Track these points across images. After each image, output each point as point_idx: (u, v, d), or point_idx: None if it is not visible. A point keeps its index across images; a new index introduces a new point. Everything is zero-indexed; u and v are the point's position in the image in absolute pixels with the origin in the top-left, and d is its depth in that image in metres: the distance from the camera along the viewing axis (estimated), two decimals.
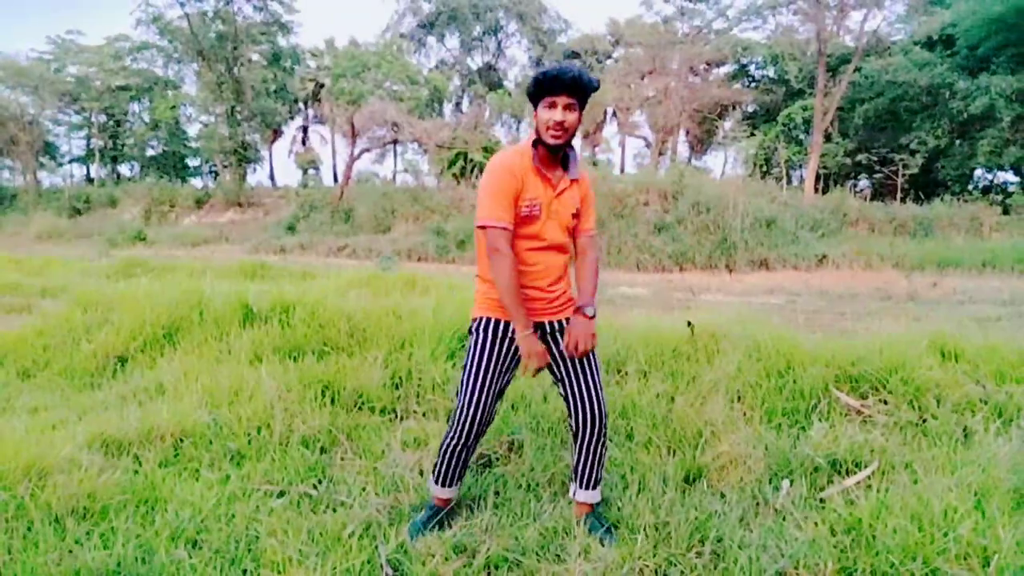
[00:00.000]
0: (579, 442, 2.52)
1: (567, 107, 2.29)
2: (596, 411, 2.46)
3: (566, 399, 2.50)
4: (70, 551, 2.25)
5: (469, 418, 2.42)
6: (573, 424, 2.51)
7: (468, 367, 2.43)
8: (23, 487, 2.54)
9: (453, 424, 2.46)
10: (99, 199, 33.99)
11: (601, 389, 2.48)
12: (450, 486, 2.59)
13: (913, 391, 3.54)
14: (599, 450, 2.53)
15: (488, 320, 2.44)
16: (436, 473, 2.59)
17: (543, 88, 2.29)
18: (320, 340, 4.44)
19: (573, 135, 2.37)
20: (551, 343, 2.48)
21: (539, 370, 2.35)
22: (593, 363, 2.47)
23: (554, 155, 2.40)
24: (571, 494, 2.65)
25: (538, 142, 2.37)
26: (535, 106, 2.34)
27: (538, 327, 2.43)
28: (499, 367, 2.43)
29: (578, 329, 2.36)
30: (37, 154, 37.29)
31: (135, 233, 27.11)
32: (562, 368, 2.47)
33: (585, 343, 2.35)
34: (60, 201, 34.13)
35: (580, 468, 2.56)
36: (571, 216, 2.46)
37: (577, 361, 2.44)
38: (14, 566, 2.15)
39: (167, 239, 26.44)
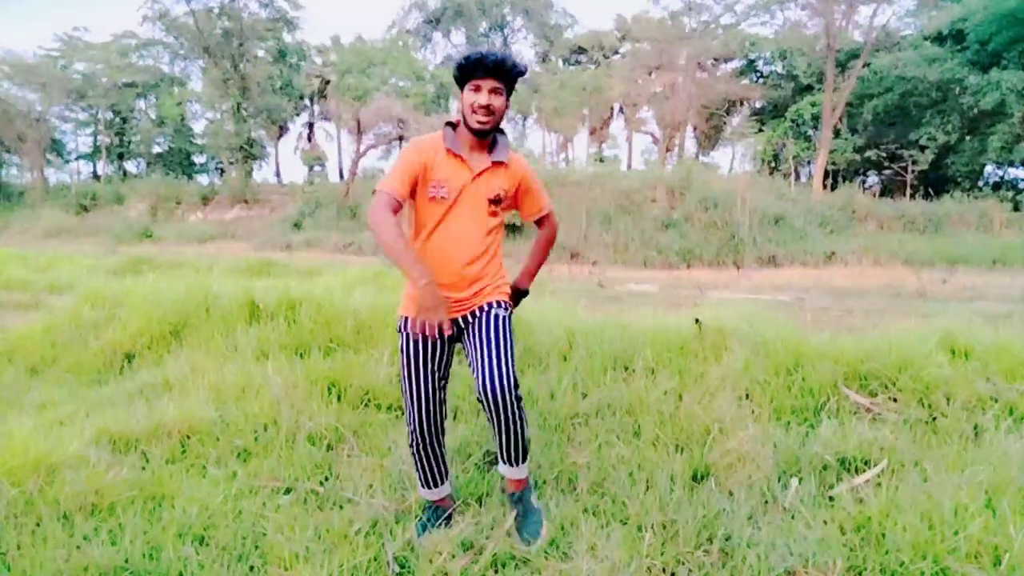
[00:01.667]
0: (489, 420, 2.37)
1: (492, 91, 2.28)
2: (492, 385, 2.25)
3: (474, 377, 2.36)
4: (78, 547, 2.26)
5: (416, 418, 2.41)
6: (479, 400, 2.35)
7: (402, 368, 2.41)
8: (32, 483, 2.55)
9: (407, 425, 2.47)
10: (106, 196, 34.10)
11: (504, 362, 2.28)
12: (435, 487, 2.55)
13: (923, 389, 3.51)
14: (511, 427, 2.35)
15: (410, 320, 2.34)
16: (418, 477, 2.56)
17: (466, 71, 2.28)
18: (326, 337, 4.45)
19: (499, 120, 2.35)
20: (465, 333, 2.44)
21: (430, 328, 2.14)
22: (498, 334, 2.33)
23: (480, 139, 2.36)
24: (498, 467, 2.63)
25: (455, 125, 2.40)
26: (461, 89, 2.32)
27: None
28: (430, 362, 2.38)
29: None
30: (44, 151, 37.44)
31: (142, 230, 27.25)
32: (470, 347, 2.39)
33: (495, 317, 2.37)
34: (67, 198, 34.27)
35: (497, 442, 2.45)
36: (489, 201, 2.38)
37: (482, 332, 2.34)
38: (23, 562, 2.16)
39: (173, 236, 26.56)
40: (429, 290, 2.13)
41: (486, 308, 2.40)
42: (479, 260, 2.40)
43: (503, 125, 2.46)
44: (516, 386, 2.30)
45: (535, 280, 2.73)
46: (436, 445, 2.48)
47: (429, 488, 2.55)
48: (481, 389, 2.27)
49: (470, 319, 2.42)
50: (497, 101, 2.29)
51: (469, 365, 2.42)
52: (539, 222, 2.65)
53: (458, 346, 2.53)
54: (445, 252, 2.36)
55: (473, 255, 2.38)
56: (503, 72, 2.26)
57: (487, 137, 2.37)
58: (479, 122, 2.29)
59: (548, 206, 2.60)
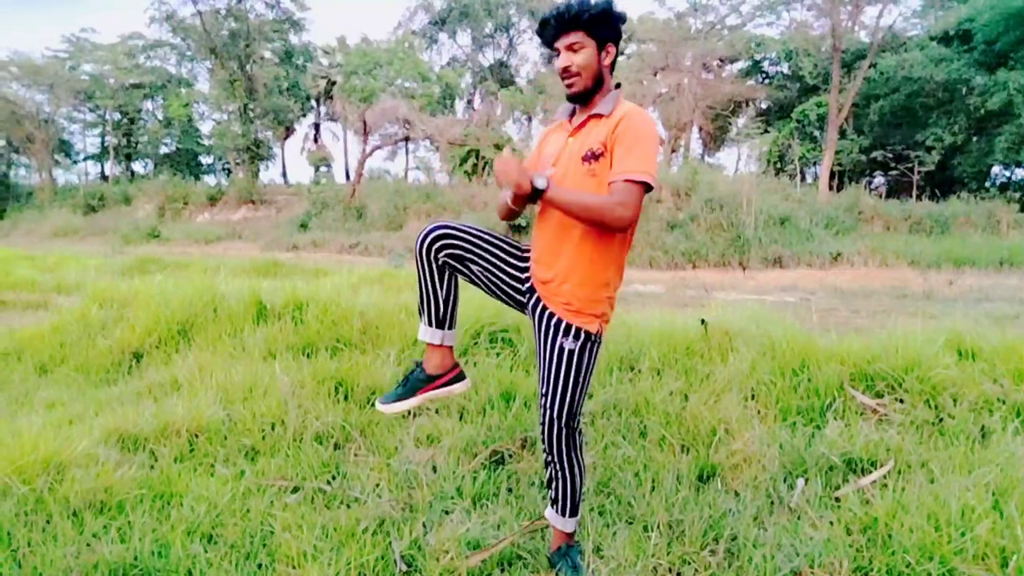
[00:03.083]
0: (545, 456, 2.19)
1: (570, 47, 2.02)
2: (545, 416, 2.11)
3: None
4: (88, 544, 2.27)
5: (427, 232, 2.15)
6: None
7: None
8: (42, 481, 2.57)
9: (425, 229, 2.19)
10: (113, 196, 34.28)
11: (561, 394, 2.08)
12: (430, 324, 2.27)
13: (929, 390, 3.50)
14: (558, 468, 2.17)
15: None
16: (419, 306, 2.31)
17: (544, 40, 2.10)
18: (333, 337, 4.46)
19: (593, 77, 2.05)
20: (531, 319, 2.21)
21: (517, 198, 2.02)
22: (559, 367, 2.08)
23: (580, 103, 2.12)
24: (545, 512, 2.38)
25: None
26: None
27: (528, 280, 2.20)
28: (499, 257, 2.21)
29: (506, 163, 2.02)
30: (52, 152, 37.69)
31: (149, 230, 27.36)
32: (538, 363, 2.17)
33: (504, 174, 2.01)
34: (75, 198, 34.46)
35: (549, 482, 2.25)
36: (582, 160, 2.03)
37: (545, 358, 2.11)
38: (34, 559, 2.18)
39: (181, 236, 26.66)
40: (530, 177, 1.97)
41: (553, 325, 2.10)
42: (567, 241, 2.09)
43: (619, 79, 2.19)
44: (567, 425, 2.10)
45: (560, 198, 1.99)
46: (441, 279, 2.20)
47: (425, 324, 2.29)
48: (540, 425, 2.15)
49: (537, 313, 2.15)
50: (579, 59, 2.01)
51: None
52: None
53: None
54: (546, 223, 2.15)
55: (560, 234, 2.10)
56: (569, 22, 1.99)
57: (587, 100, 2.09)
58: (568, 85, 2.06)
59: (630, 174, 1.93)
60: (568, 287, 2.08)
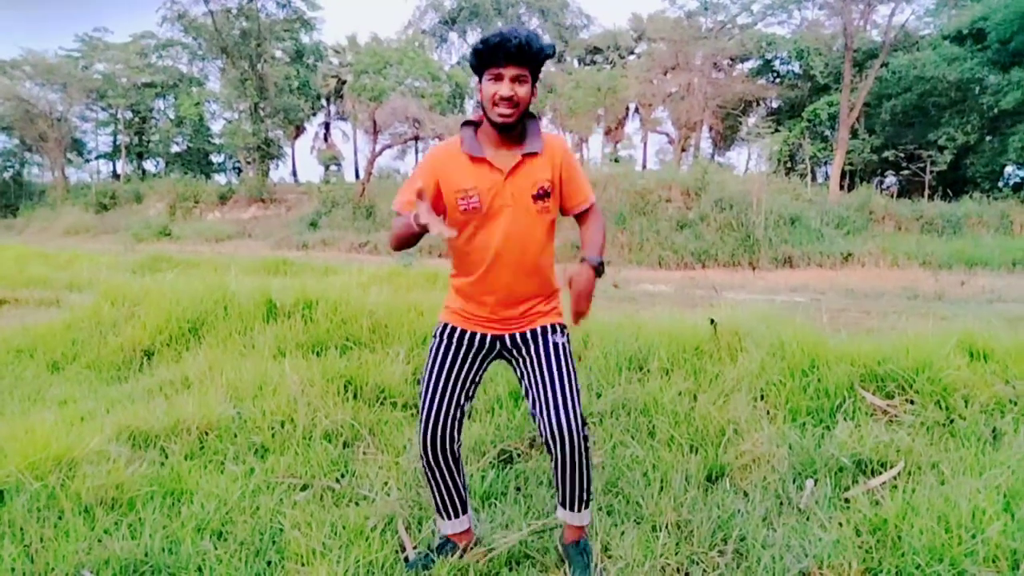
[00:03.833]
0: (553, 462, 2.15)
1: (515, 79, 1.95)
2: (562, 429, 2.07)
3: (533, 415, 2.15)
4: (99, 540, 2.29)
5: (425, 428, 2.14)
6: (544, 443, 2.15)
7: (425, 374, 2.19)
8: (54, 477, 2.59)
9: (417, 437, 2.21)
10: (125, 195, 34.49)
11: (570, 400, 2.09)
12: (451, 517, 2.29)
13: (940, 391, 3.48)
14: (577, 469, 2.14)
15: (445, 326, 2.20)
16: (433, 503, 2.31)
17: (485, 58, 1.96)
18: (342, 335, 4.48)
19: (525, 110, 2.03)
20: (512, 356, 2.21)
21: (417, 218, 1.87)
22: (562, 371, 2.12)
23: (507, 134, 2.04)
24: (556, 510, 2.36)
25: (473, 123, 2.11)
26: (479, 79, 2.01)
27: (482, 338, 2.17)
28: (458, 370, 2.16)
29: (580, 279, 2.02)
30: (65, 150, 37.95)
31: (160, 228, 27.50)
32: (528, 379, 2.16)
33: (584, 297, 2.03)
34: (87, 197, 34.69)
35: (559, 487, 2.21)
36: (534, 198, 2.06)
37: (543, 364, 2.13)
38: (46, 554, 2.20)
39: (191, 234, 26.79)
40: (416, 210, 1.88)
41: (540, 333, 2.16)
42: (529, 274, 2.13)
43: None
44: (584, 424, 2.11)
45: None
46: (449, 469, 2.20)
47: (444, 518, 2.30)
48: (548, 430, 2.08)
49: (520, 343, 2.17)
50: (522, 90, 1.97)
51: (525, 396, 2.21)
52: (581, 217, 2.21)
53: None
54: (501, 269, 2.10)
55: (521, 271, 2.11)
56: (528, 56, 1.94)
57: (514, 130, 2.04)
58: (502, 115, 1.97)
59: (591, 197, 2.19)
60: (540, 300, 2.19)
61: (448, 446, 2.17)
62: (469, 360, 2.18)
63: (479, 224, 2.07)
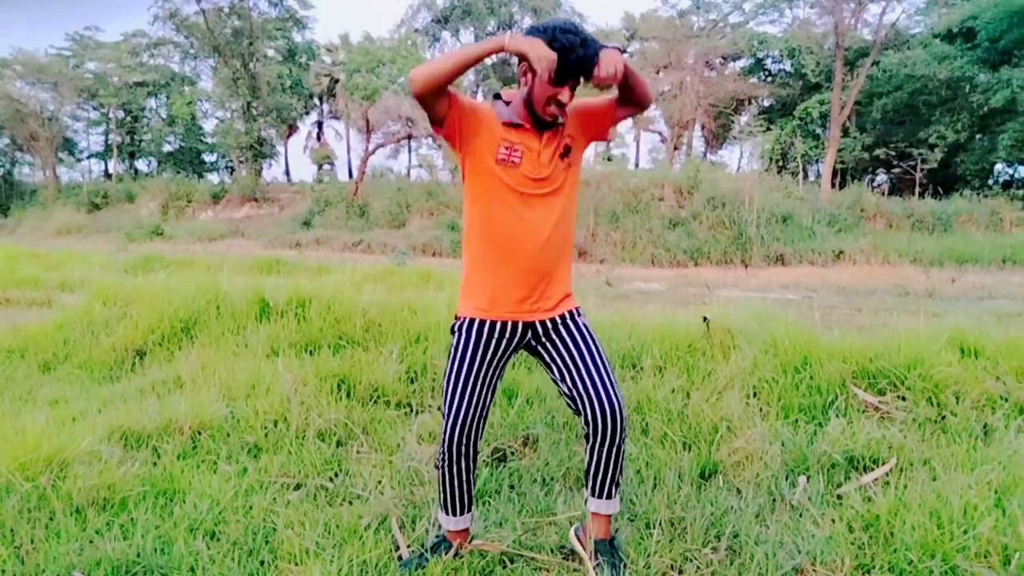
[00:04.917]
0: (594, 445, 2.13)
1: (573, 87, 2.02)
2: (614, 407, 2.07)
3: (574, 399, 2.13)
4: (91, 541, 2.28)
5: (453, 428, 2.11)
6: (588, 426, 2.11)
7: (450, 373, 2.14)
8: (45, 478, 2.58)
9: (442, 435, 2.16)
10: (117, 194, 34.32)
11: (614, 382, 2.11)
12: (456, 514, 2.27)
13: (932, 387, 3.50)
14: (617, 452, 2.13)
15: (471, 321, 2.14)
16: (439, 499, 2.28)
17: (569, 71, 1.95)
18: (336, 334, 4.47)
19: None
20: (542, 343, 2.18)
21: (548, 62, 1.89)
22: (600, 352, 2.15)
23: (540, 130, 2.08)
24: (585, 503, 2.30)
25: (506, 102, 2.12)
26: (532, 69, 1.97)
27: (514, 327, 2.13)
28: (486, 367, 2.13)
29: (608, 54, 1.94)
30: (56, 150, 37.70)
31: (152, 228, 27.40)
32: (565, 363, 2.14)
33: (615, 65, 1.93)
34: (79, 196, 34.50)
35: (593, 473, 2.18)
36: (560, 158, 2.11)
37: (580, 347, 2.13)
38: (37, 555, 2.19)
39: (184, 234, 26.70)
40: (531, 40, 1.90)
41: (569, 317, 2.17)
42: (554, 245, 2.12)
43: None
44: (623, 402, 2.14)
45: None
46: (468, 466, 2.19)
47: (449, 514, 2.27)
48: (597, 411, 2.07)
49: (550, 329, 2.16)
50: (569, 100, 2.04)
51: (560, 382, 2.17)
52: (618, 99, 2.16)
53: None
54: (517, 231, 2.09)
55: (547, 235, 2.09)
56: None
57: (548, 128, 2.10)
58: (551, 116, 2.03)
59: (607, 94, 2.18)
60: (566, 276, 2.21)
61: (473, 444, 2.17)
62: (499, 352, 2.15)
63: (510, 176, 2.06)
